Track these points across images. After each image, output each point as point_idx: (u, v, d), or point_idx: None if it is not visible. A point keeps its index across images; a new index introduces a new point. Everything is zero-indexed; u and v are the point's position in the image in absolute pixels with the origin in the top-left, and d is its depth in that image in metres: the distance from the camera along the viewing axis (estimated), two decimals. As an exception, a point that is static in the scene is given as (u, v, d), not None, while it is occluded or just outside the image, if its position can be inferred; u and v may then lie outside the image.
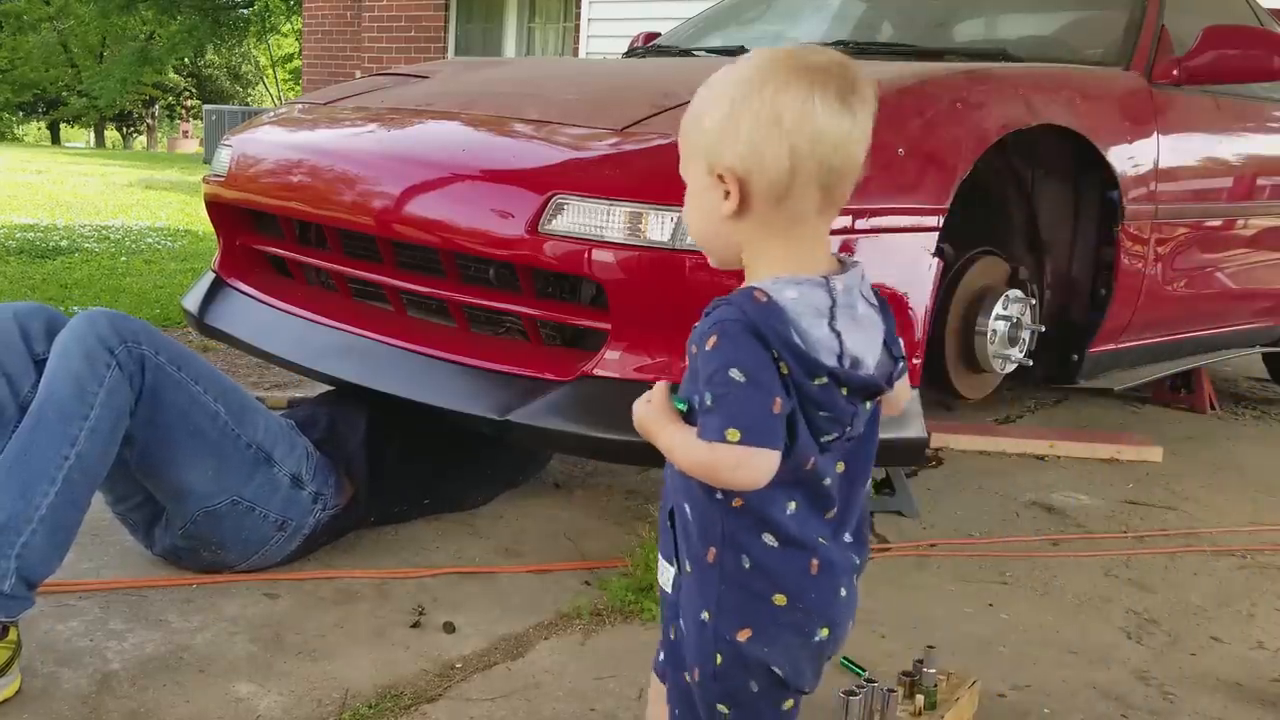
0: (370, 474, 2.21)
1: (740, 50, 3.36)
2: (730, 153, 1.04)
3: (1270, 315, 3.68)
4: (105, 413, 1.73)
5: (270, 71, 28.57)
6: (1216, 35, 2.98)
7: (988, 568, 2.38)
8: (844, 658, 1.89)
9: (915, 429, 2.14)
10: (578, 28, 8.89)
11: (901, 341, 1.15)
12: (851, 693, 1.55)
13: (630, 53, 3.95)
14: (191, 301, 2.85)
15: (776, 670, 1.10)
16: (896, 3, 3.79)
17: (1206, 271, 3.22)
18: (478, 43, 11.37)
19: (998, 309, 2.48)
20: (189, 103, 33.62)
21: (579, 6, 8.82)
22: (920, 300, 2.14)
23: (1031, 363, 2.60)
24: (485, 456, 2.48)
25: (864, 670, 1.84)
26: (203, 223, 7.06)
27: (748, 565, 1.07)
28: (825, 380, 1.03)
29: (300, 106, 3.00)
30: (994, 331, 2.49)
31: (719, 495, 1.07)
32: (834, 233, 2.03)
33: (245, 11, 24.69)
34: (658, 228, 1.97)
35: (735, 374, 1.00)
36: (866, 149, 1.05)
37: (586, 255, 2.00)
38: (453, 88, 2.93)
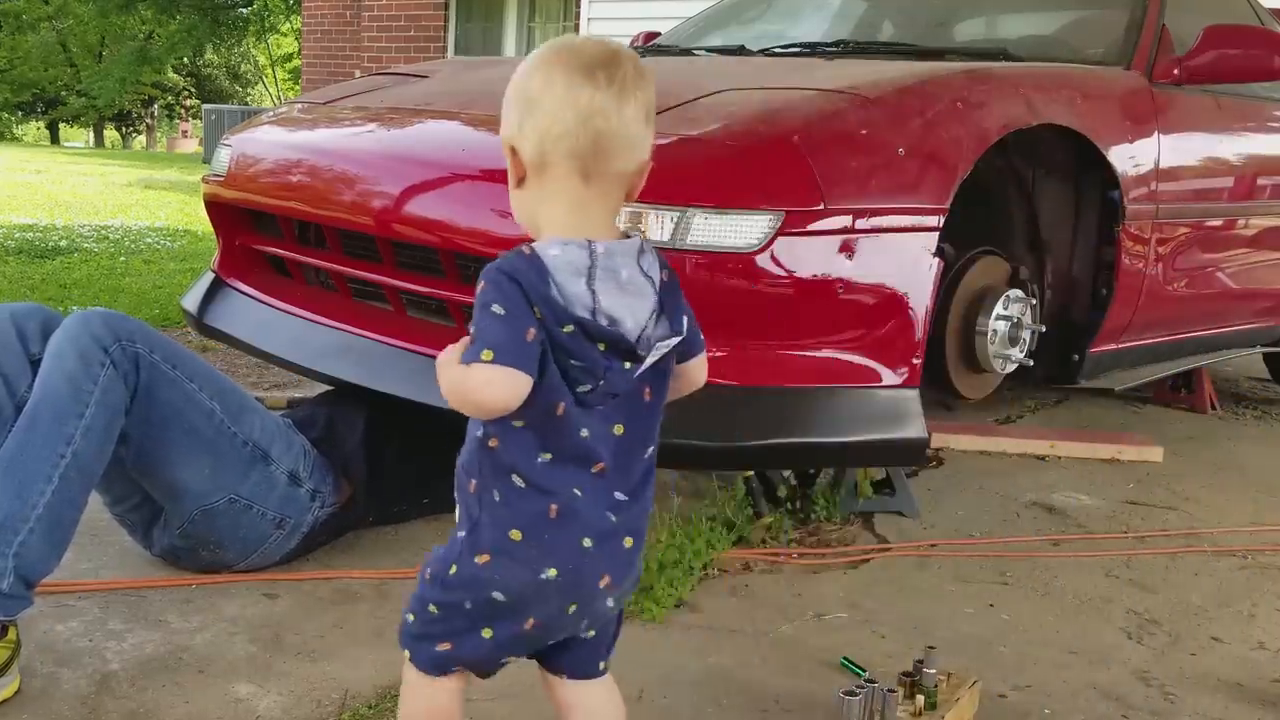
0: (369, 474, 2.21)
1: (740, 50, 3.37)
2: (507, 131, 1.20)
3: (1271, 315, 3.68)
4: (100, 411, 1.73)
5: (270, 71, 28.58)
6: (1217, 35, 2.98)
7: (988, 568, 2.38)
8: (844, 658, 1.89)
9: (915, 429, 2.14)
10: (578, 28, 8.89)
11: (688, 321, 1.25)
12: (851, 693, 1.54)
13: (630, 52, 3.95)
14: (191, 301, 2.85)
15: (497, 595, 1.21)
16: (897, 3, 3.79)
17: (1207, 271, 3.22)
18: (478, 43, 11.37)
19: (998, 309, 2.48)
20: (188, 102, 33.63)
21: (579, 6, 8.82)
22: (920, 300, 2.14)
23: (1032, 363, 2.60)
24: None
25: (864, 670, 1.83)
26: (202, 223, 7.06)
27: (497, 499, 1.21)
28: (573, 329, 1.14)
29: (300, 106, 3.00)
30: (994, 331, 2.48)
31: (479, 432, 1.21)
32: (834, 232, 2.03)
33: (245, 11, 24.69)
34: (658, 227, 1.97)
35: (495, 309, 1.13)
36: (630, 127, 1.17)
37: (586, 255, 1.99)
38: (452, 87, 2.93)
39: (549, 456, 1.20)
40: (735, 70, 2.82)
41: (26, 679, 1.65)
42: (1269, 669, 1.99)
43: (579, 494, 1.21)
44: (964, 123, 2.26)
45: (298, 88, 20.37)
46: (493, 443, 1.21)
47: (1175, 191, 2.90)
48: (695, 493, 2.65)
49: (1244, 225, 3.33)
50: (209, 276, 2.86)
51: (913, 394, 2.15)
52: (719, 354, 2.04)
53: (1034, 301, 2.59)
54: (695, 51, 3.54)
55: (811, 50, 3.25)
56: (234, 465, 1.94)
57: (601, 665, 1.32)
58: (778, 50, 3.31)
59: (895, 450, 2.19)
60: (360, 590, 2.05)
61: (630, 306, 1.17)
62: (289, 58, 27.25)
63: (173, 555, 2.05)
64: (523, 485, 1.20)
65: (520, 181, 1.21)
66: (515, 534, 1.20)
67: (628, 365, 1.20)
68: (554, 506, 1.19)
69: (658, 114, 2.34)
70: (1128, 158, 2.71)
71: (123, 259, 5.79)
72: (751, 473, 2.47)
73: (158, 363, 1.83)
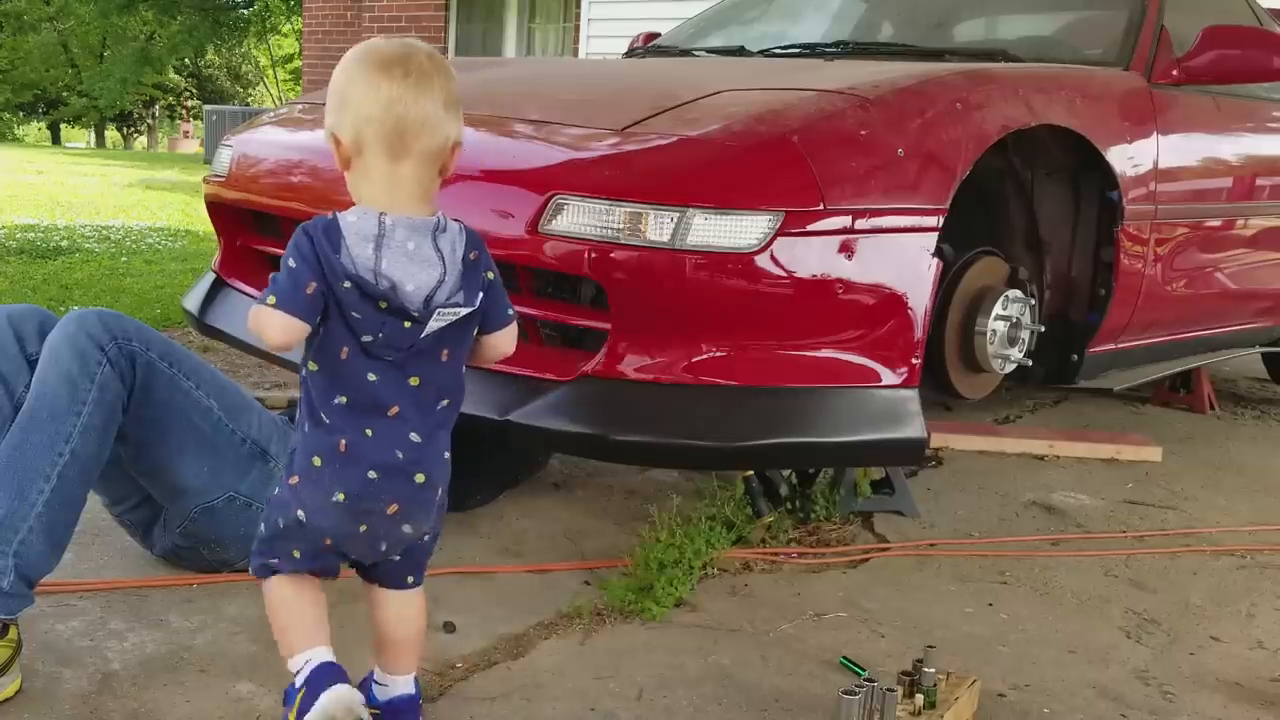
0: (370, 474, 2.21)
1: (740, 50, 3.38)
2: (329, 123, 1.41)
3: (1270, 315, 3.68)
4: (98, 409, 1.73)
5: (270, 71, 28.59)
6: (1216, 35, 2.99)
7: (988, 568, 2.38)
8: (843, 657, 1.89)
9: (915, 429, 2.14)
10: (578, 28, 8.89)
11: (486, 296, 1.46)
12: (851, 692, 1.55)
13: (630, 53, 3.96)
14: (192, 301, 2.85)
15: (300, 514, 1.44)
16: (896, 3, 3.79)
17: (1206, 271, 3.22)
18: (478, 43, 11.37)
19: (997, 309, 2.49)
20: (189, 103, 33.63)
21: (579, 6, 8.82)
22: (919, 300, 2.14)
23: (1031, 363, 2.60)
24: (484, 456, 2.48)
25: (863, 670, 1.84)
26: (203, 223, 7.07)
27: (306, 430, 1.44)
28: (349, 285, 1.36)
29: (300, 106, 3.00)
30: (994, 331, 2.49)
31: (303, 373, 1.44)
32: (833, 233, 2.04)
33: (245, 11, 24.71)
34: (658, 228, 1.97)
35: (290, 262, 1.38)
36: (427, 110, 1.37)
37: (586, 255, 2.00)
38: (453, 88, 2.93)
39: (344, 400, 1.42)
40: (735, 71, 2.83)
41: (28, 678, 1.65)
42: (1267, 668, 2.00)
43: (369, 434, 1.42)
44: (963, 123, 2.27)
45: (299, 88, 20.38)
46: (304, 385, 1.45)
47: (1174, 192, 2.91)
48: (695, 493, 2.65)
49: (1243, 225, 3.34)
50: (210, 277, 2.86)
51: (912, 394, 2.15)
52: (719, 354, 2.05)
53: (1033, 302, 2.59)
54: (695, 52, 3.54)
55: (811, 51, 3.26)
56: (233, 463, 1.94)
57: (410, 579, 1.55)
58: (777, 51, 3.31)
59: (894, 450, 2.19)
60: (360, 590, 2.05)
61: (413, 274, 1.37)
62: (290, 58, 27.26)
63: (174, 555, 2.06)
64: (325, 420, 1.42)
65: (346, 164, 1.41)
66: (316, 460, 1.42)
67: (407, 324, 1.39)
68: (343, 442, 1.41)
69: (658, 114, 2.36)
70: (1127, 158, 2.71)
71: (124, 259, 5.80)
72: (751, 473, 2.48)
73: (154, 361, 1.83)
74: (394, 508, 1.44)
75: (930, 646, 1.68)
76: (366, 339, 1.40)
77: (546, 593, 2.10)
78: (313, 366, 1.43)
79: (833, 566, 2.32)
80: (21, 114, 31.47)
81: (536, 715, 1.67)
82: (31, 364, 1.83)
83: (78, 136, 34.81)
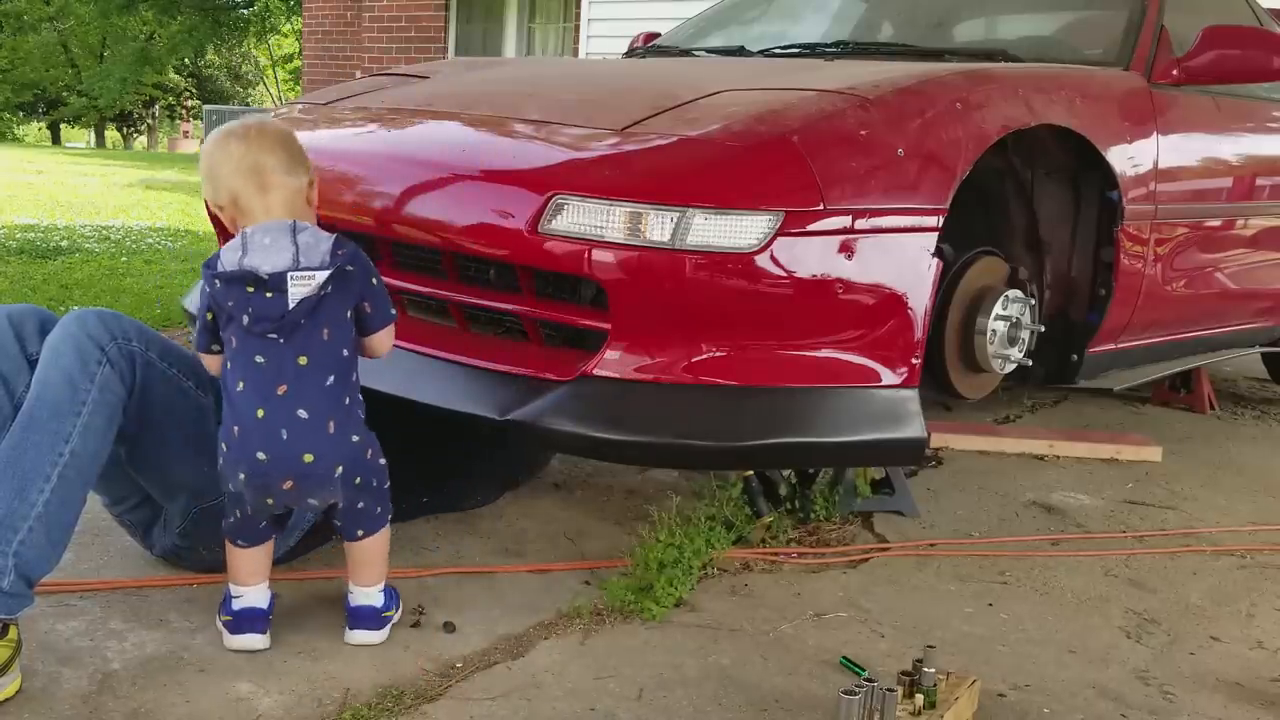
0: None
1: (740, 51, 3.38)
2: (208, 198, 1.83)
3: (1270, 315, 3.68)
4: (98, 410, 1.73)
5: (270, 71, 28.59)
6: (1216, 35, 2.98)
7: (988, 568, 2.38)
8: (843, 657, 1.89)
9: (914, 429, 2.14)
10: (578, 28, 8.89)
11: (358, 298, 1.78)
12: (850, 692, 1.55)
13: (630, 53, 3.96)
14: (192, 302, 2.85)
15: (230, 487, 1.76)
16: (896, 3, 3.79)
17: (1206, 271, 3.22)
18: (478, 43, 11.37)
19: (997, 309, 2.49)
20: (189, 103, 33.60)
21: (579, 6, 8.82)
22: (919, 300, 2.14)
23: (1031, 363, 2.60)
24: (485, 457, 2.48)
25: (863, 670, 1.84)
26: (203, 223, 7.07)
27: (226, 409, 1.74)
28: (219, 284, 1.72)
29: (300, 107, 3.00)
30: (993, 331, 2.49)
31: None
32: (833, 233, 2.04)
33: (245, 11, 24.70)
34: (658, 227, 1.97)
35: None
36: (265, 161, 1.77)
37: (586, 255, 2.00)
38: (453, 88, 2.93)
39: (242, 384, 1.71)
40: (735, 71, 2.83)
41: (28, 678, 1.66)
42: (1268, 668, 2.00)
43: (260, 415, 1.69)
44: (963, 123, 2.27)
45: (298, 88, 20.38)
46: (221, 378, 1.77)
47: (1174, 192, 2.91)
48: (695, 493, 2.65)
49: (1243, 225, 3.33)
50: (210, 277, 2.86)
51: (912, 394, 2.15)
52: (719, 354, 2.05)
53: (1033, 301, 2.59)
54: (695, 52, 3.54)
55: (811, 51, 3.26)
56: (233, 464, 1.95)
57: (359, 534, 1.84)
58: (777, 51, 3.31)
59: (894, 450, 2.19)
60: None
61: (268, 258, 1.70)
62: (290, 58, 27.25)
63: (174, 555, 2.06)
64: (229, 405, 1.72)
65: (232, 224, 1.80)
66: (223, 445, 1.73)
67: (269, 295, 1.69)
68: (236, 428, 1.71)
69: (658, 114, 2.36)
70: (1126, 158, 2.71)
71: (124, 259, 5.79)
72: (751, 473, 2.47)
73: (154, 361, 1.83)
74: (288, 484, 1.72)
75: (930, 646, 1.68)
76: (245, 320, 1.70)
77: (546, 593, 2.10)
78: (228, 365, 1.74)
79: (833, 566, 2.32)
80: (21, 114, 31.43)
81: (536, 715, 1.67)
82: (32, 364, 1.83)
83: (78, 136, 34.79)
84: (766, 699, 1.76)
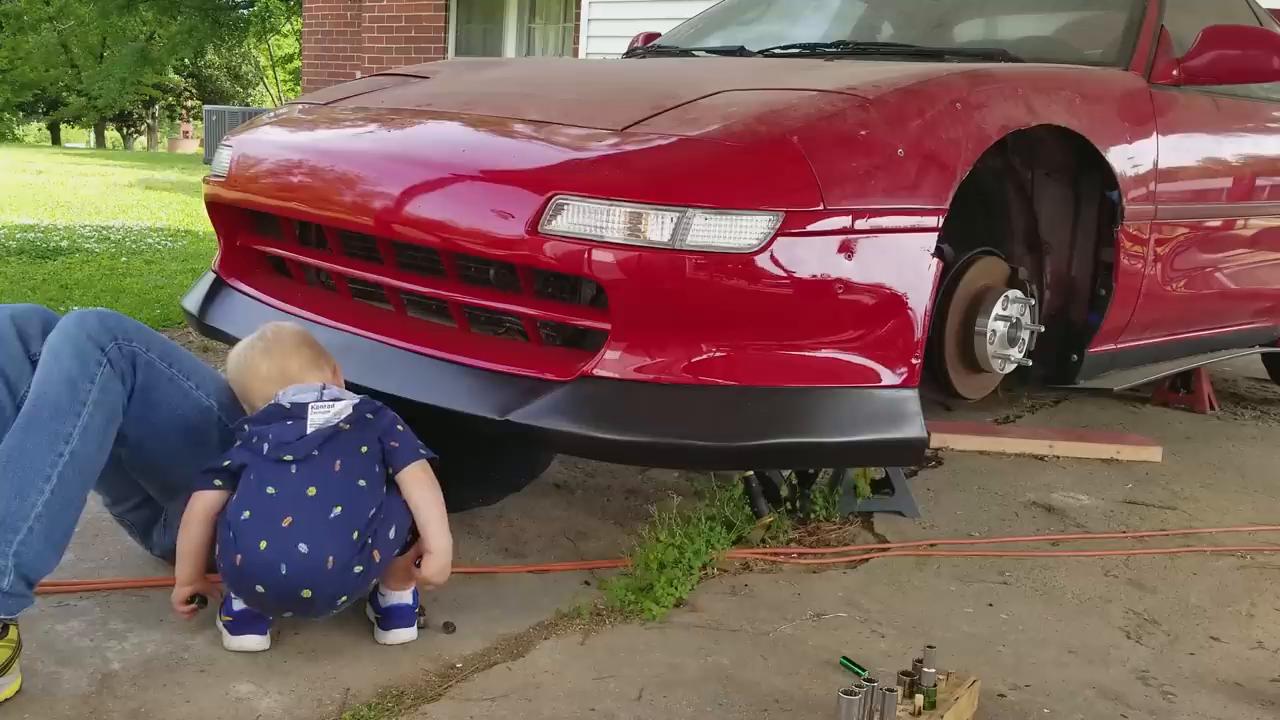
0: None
1: (740, 51, 3.38)
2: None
3: (1270, 315, 3.68)
4: (98, 410, 1.73)
5: (270, 72, 28.58)
6: (1216, 35, 2.98)
7: (988, 568, 2.38)
8: (843, 657, 1.89)
9: (914, 429, 2.14)
10: (578, 28, 8.88)
11: (387, 439, 1.85)
12: (850, 692, 1.55)
13: (630, 53, 3.96)
14: (192, 302, 2.85)
15: (232, 595, 1.80)
16: (896, 3, 3.79)
17: (1206, 272, 3.22)
18: (478, 43, 11.37)
19: (997, 309, 2.49)
20: (189, 103, 33.59)
21: (579, 6, 8.82)
22: (919, 300, 2.14)
23: (1031, 363, 2.60)
24: (485, 458, 2.48)
25: (863, 670, 1.84)
26: (203, 223, 7.07)
27: (225, 535, 1.75)
28: (248, 427, 1.82)
29: (300, 107, 3.00)
30: (993, 332, 2.49)
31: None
32: (833, 233, 2.04)
33: (245, 12, 24.67)
34: (658, 228, 1.97)
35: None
36: (291, 365, 1.92)
37: (586, 255, 2.00)
38: (453, 88, 2.93)
39: (248, 514, 1.73)
40: (735, 71, 2.83)
41: (28, 678, 1.65)
42: (1268, 668, 2.00)
43: (262, 547, 1.70)
44: (963, 123, 2.27)
45: (298, 88, 20.37)
46: (227, 511, 1.77)
47: (1174, 192, 2.91)
48: (695, 493, 2.66)
49: (1242, 226, 3.33)
50: (210, 277, 2.86)
51: (912, 394, 2.15)
52: (719, 354, 2.05)
53: (1033, 302, 2.59)
54: (695, 52, 3.54)
55: (811, 51, 3.26)
56: (233, 464, 1.95)
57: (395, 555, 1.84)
58: (777, 51, 3.31)
59: (894, 450, 2.19)
60: (361, 590, 2.05)
61: (293, 398, 1.83)
62: (290, 58, 27.23)
63: (174, 555, 2.05)
64: (230, 534, 1.73)
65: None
66: (235, 561, 1.72)
67: (288, 421, 1.79)
68: (239, 557, 1.71)
69: (658, 114, 2.37)
70: (1126, 158, 2.71)
71: (124, 259, 5.79)
72: (751, 473, 2.47)
73: (154, 361, 1.83)
74: (289, 613, 1.78)
75: (930, 646, 1.68)
76: (265, 448, 1.77)
77: (546, 593, 2.10)
78: (233, 498, 1.76)
79: (833, 566, 2.32)
80: (21, 114, 31.41)
81: (536, 715, 1.67)
82: (35, 364, 1.83)
83: (78, 136, 34.76)
84: (766, 699, 1.76)
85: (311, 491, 1.73)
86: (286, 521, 1.71)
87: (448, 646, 1.86)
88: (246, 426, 1.81)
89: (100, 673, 1.70)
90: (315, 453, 1.76)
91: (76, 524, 1.72)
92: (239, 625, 1.81)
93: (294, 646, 1.83)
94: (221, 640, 1.81)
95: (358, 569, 1.74)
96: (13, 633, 1.63)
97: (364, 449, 1.80)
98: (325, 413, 1.79)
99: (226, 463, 1.79)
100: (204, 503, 1.79)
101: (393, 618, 1.87)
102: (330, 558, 1.70)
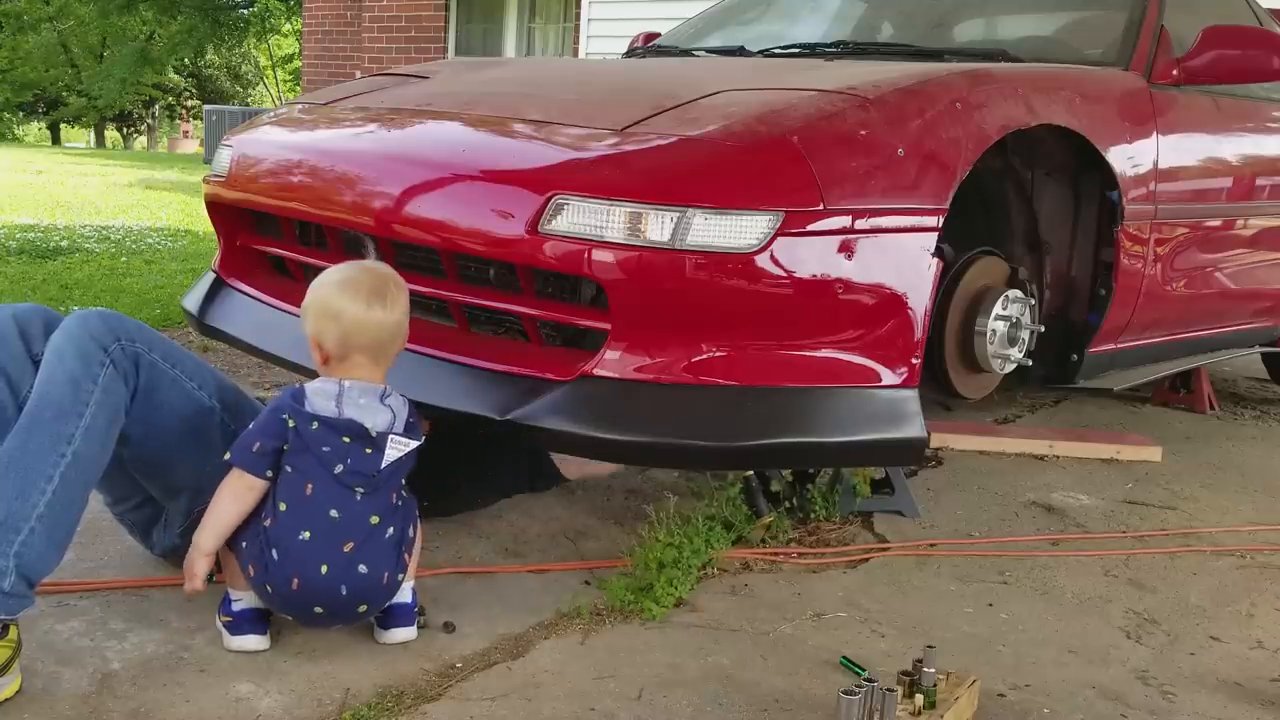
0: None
1: (740, 51, 3.38)
2: (312, 330, 1.82)
3: (1270, 315, 3.68)
4: (101, 411, 1.73)
5: (270, 72, 28.60)
6: (1216, 35, 2.98)
7: (988, 567, 2.38)
8: (843, 657, 1.89)
9: (914, 429, 2.14)
10: (578, 28, 8.89)
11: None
12: (850, 692, 1.55)
13: (630, 53, 3.96)
14: (192, 302, 2.85)
15: (265, 600, 1.79)
16: (896, 3, 3.79)
17: (1206, 272, 3.22)
18: (478, 43, 11.37)
19: (997, 309, 2.49)
20: (189, 103, 33.59)
21: (579, 6, 8.82)
22: (919, 300, 2.14)
23: (1030, 363, 2.60)
24: (486, 459, 2.48)
25: (863, 670, 1.84)
26: (203, 223, 7.07)
27: (271, 556, 1.74)
28: (318, 425, 1.75)
29: (300, 107, 3.00)
30: (993, 331, 2.49)
31: (265, 516, 1.76)
32: (833, 233, 2.04)
33: (245, 12, 24.69)
34: (658, 227, 1.97)
35: (251, 427, 1.80)
36: (402, 326, 1.86)
37: (586, 255, 2.00)
38: (453, 88, 2.93)
39: (307, 535, 1.72)
40: (735, 71, 2.83)
41: (28, 678, 1.66)
42: (1268, 668, 2.00)
43: (324, 571, 1.72)
44: (963, 123, 2.27)
45: (298, 88, 20.38)
46: (267, 521, 1.74)
47: (1174, 192, 2.91)
48: (695, 493, 2.66)
49: (1242, 226, 3.34)
50: (210, 277, 2.86)
51: (912, 394, 2.15)
52: (719, 354, 2.05)
53: (1033, 302, 2.59)
54: (695, 52, 3.54)
55: (811, 51, 3.26)
56: (234, 464, 1.95)
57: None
58: (777, 51, 3.31)
59: (894, 450, 2.19)
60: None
61: (370, 417, 1.78)
62: (290, 58, 27.25)
63: (174, 555, 2.05)
64: (281, 556, 1.72)
65: (325, 362, 1.82)
66: (293, 584, 1.73)
67: (368, 451, 1.77)
68: (296, 580, 1.72)
69: (658, 114, 2.36)
70: (1126, 158, 2.71)
71: (124, 259, 5.79)
72: (751, 472, 2.47)
73: (157, 362, 1.83)
74: (338, 625, 1.83)
75: (930, 646, 1.68)
76: (338, 469, 1.74)
77: (546, 593, 2.10)
78: (282, 507, 1.74)
79: (832, 566, 2.32)
80: (21, 114, 31.41)
81: (536, 715, 1.67)
82: (37, 364, 1.82)
83: (78, 136, 34.76)
84: (766, 699, 1.76)
85: (374, 520, 1.77)
86: (348, 547, 1.74)
87: (447, 646, 1.87)
88: (315, 424, 1.75)
89: (100, 673, 1.70)
90: (384, 484, 1.80)
91: (78, 524, 1.72)
92: (239, 625, 1.81)
93: (294, 646, 1.83)
94: (221, 640, 1.81)
95: (400, 576, 1.82)
96: (13, 633, 1.63)
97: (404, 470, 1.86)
98: (400, 451, 1.80)
99: (285, 445, 1.75)
100: (248, 486, 1.76)
101: (392, 617, 1.87)
102: (385, 574, 1.78)
